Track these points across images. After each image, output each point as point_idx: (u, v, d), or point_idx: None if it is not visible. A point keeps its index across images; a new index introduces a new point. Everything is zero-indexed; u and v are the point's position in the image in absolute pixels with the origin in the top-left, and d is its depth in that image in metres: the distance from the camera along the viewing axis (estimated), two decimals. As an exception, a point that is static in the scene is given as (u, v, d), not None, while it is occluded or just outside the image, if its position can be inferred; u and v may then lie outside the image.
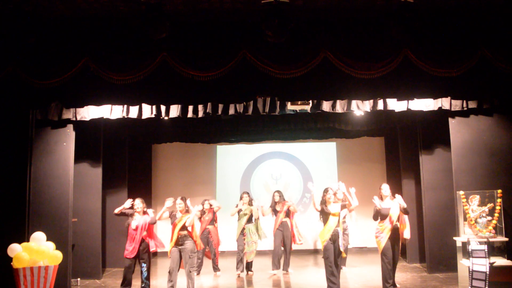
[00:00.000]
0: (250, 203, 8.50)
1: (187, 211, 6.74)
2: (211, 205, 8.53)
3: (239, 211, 8.46)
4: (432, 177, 8.02)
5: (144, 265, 6.71)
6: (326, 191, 6.67)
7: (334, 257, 6.45)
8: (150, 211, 6.96)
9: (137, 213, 6.85)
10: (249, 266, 8.51)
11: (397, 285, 6.83)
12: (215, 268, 8.60)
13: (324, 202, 6.62)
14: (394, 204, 6.63)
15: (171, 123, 8.83)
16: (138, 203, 6.88)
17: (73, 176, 7.41)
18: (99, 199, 8.24)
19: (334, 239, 6.48)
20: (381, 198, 6.77)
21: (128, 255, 6.70)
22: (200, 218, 8.37)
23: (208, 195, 11.06)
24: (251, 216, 8.39)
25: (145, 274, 6.71)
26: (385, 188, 6.81)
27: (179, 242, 6.60)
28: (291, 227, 8.64)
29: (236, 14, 5.99)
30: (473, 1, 5.85)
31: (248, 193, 8.66)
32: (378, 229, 6.68)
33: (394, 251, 6.59)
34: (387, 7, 5.65)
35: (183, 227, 6.57)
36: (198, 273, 8.40)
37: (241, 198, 8.56)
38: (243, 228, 8.35)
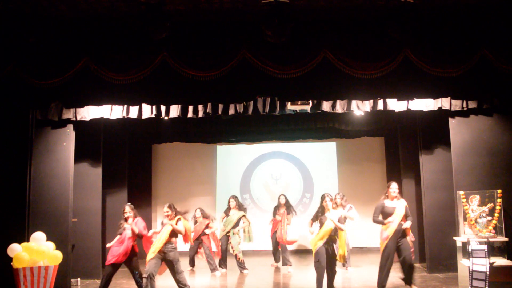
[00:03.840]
0: (239, 208, 8.69)
1: (174, 217, 6.44)
2: (202, 214, 8.61)
3: (227, 215, 8.69)
4: (432, 177, 8.01)
5: (136, 272, 6.55)
6: (323, 198, 6.41)
7: (328, 261, 6.28)
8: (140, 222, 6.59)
9: (127, 223, 6.53)
10: (243, 266, 8.64)
11: None
12: (213, 269, 8.60)
13: (322, 210, 6.39)
14: (400, 204, 6.51)
15: (171, 123, 8.84)
16: (129, 210, 6.55)
17: (73, 176, 7.40)
18: (99, 199, 8.23)
19: (328, 245, 6.29)
20: (388, 197, 6.61)
21: (106, 262, 6.43)
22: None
23: (208, 195, 11.09)
24: (238, 221, 8.61)
25: (140, 281, 6.49)
26: (394, 188, 6.60)
27: (163, 250, 6.30)
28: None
29: (236, 14, 5.99)
30: (473, 1, 5.85)
31: (236, 198, 8.80)
32: (382, 228, 6.53)
33: (399, 253, 6.42)
34: (387, 7, 5.65)
35: (172, 234, 6.33)
36: (193, 265, 8.76)
37: (228, 203, 8.73)
38: (228, 231, 8.59)
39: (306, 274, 8.34)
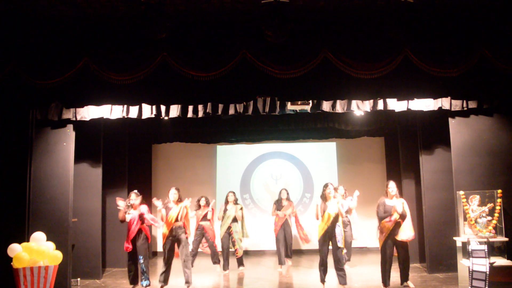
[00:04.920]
0: (235, 202, 8.81)
1: (180, 201, 6.97)
2: (206, 202, 8.74)
3: (225, 211, 8.73)
4: (432, 177, 8.01)
5: (141, 257, 6.79)
6: (326, 186, 6.75)
7: (334, 250, 6.61)
8: (145, 210, 6.94)
9: (132, 208, 6.90)
10: (240, 262, 8.72)
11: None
12: (216, 262, 8.74)
13: (324, 198, 6.71)
14: (398, 202, 6.71)
15: (171, 123, 8.84)
16: (134, 198, 6.93)
17: (73, 176, 7.40)
18: (99, 199, 8.24)
19: (329, 234, 6.60)
20: (386, 196, 6.85)
21: (127, 249, 6.81)
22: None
23: (208, 195, 11.03)
24: (236, 215, 8.68)
25: (143, 266, 6.79)
26: (392, 187, 6.85)
27: (173, 233, 6.82)
28: (297, 228, 9.20)
29: (236, 14, 5.99)
30: (473, 1, 5.85)
31: (233, 192, 8.90)
32: (379, 227, 6.80)
33: (395, 250, 6.74)
34: (387, 7, 5.65)
35: (177, 219, 6.79)
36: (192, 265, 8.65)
37: (226, 198, 8.81)
38: (229, 227, 8.61)
39: (310, 274, 8.36)
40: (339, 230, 6.61)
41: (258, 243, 11.22)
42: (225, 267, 8.62)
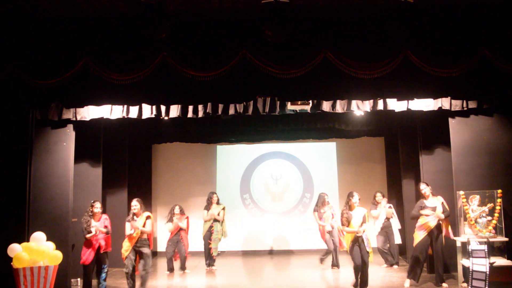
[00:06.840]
0: (218, 202, 9.00)
1: (143, 212, 6.91)
2: (180, 210, 8.76)
3: (208, 211, 8.94)
4: (432, 177, 8.00)
5: (104, 266, 6.87)
6: (351, 195, 6.70)
7: (361, 258, 6.57)
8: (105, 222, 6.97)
9: (93, 219, 6.88)
10: (212, 261, 8.92)
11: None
12: (183, 268, 8.74)
13: (349, 207, 6.67)
14: (438, 202, 6.86)
15: (171, 123, 8.84)
16: (99, 206, 6.94)
17: (73, 176, 7.41)
18: (99, 199, 8.21)
19: (358, 242, 6.57)
20: (423, 197, 6.98)
21: (86, 261, 6.74)
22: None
23: (207, 195, 11.08)
24: (218, 214, 8.87)
25: (104, 275, 6.85)
26: (424, 188, 7.00)
27: (137, 244, 6.74)
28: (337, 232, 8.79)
29: (236, 14, 5.99)
30: (473, 1, 5.85)
31: (215, 193, 9.12)
32: (420, 222, 6.89)
33: (432, 248, 6.92)
34: (387, 7, 5.64)
35: (142, 230, 6.72)
36: (172, 269, 8.79)
37: (210, 199, 8.98)
38: (211, 226, 8.82)
39: (311, 274, 8.35)
40: (365, 235, 6.62)
41: (257, 243, 11.21)
42: (210, 264, 8.85)
